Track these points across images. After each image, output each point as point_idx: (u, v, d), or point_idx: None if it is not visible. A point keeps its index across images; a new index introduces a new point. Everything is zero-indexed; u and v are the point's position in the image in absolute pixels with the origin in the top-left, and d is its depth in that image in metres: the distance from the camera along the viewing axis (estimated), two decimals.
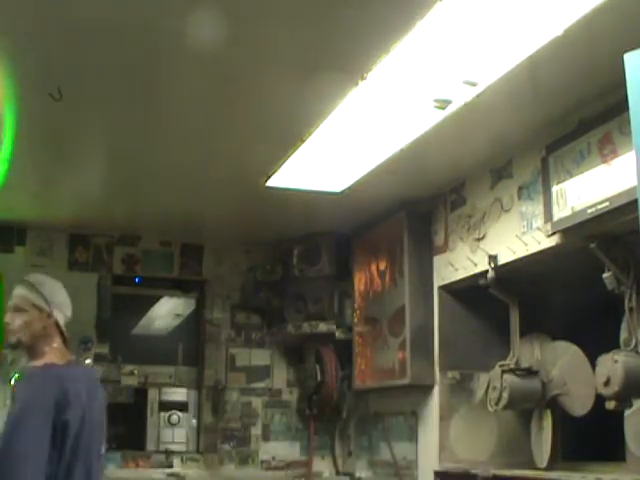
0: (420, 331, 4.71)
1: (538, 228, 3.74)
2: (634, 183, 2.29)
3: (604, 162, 3.29)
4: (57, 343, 3.06)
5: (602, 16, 2.69)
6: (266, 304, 5.99)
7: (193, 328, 6.14)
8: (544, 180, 3.69)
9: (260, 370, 5.99)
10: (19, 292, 3.13)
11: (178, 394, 5.94)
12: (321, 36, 2.97)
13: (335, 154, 4.14)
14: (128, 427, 5.88)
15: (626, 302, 3.47)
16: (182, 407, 5.91)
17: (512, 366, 4.21)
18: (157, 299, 6.23)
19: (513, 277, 4.11)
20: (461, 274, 4.45)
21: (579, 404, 3.95)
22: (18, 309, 3.07)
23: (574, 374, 4.00)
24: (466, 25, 2.83)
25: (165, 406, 5.88)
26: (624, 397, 3.38)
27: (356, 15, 2.77)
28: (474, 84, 3.24)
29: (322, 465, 5.96)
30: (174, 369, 6.02)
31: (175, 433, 5.84)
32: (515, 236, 3.90)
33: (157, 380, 5.94)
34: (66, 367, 3.01)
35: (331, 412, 5.83)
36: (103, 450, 3.01)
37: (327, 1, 2.74)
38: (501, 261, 4.05)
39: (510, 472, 4.13)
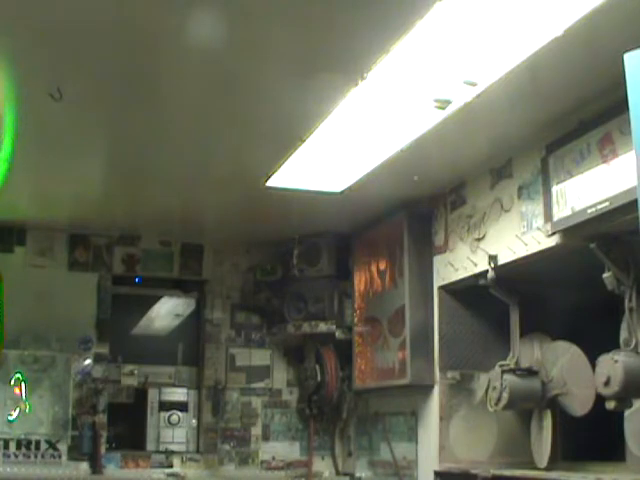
0: (420, 331, 4.71)
1: (538, 228, 3.74)
2: (634, 183, 2.29)
3: (604, 162, 3.29)
4: None
5: (602, 16, 2.69)
6: (266, 304, 5.99)
7: (193, 328, 6.13)
8: (544, 180, 3.69)
9: (260, 370, 5.99)
10: None
11: (178, 394, 5.94)
12: (321, 36, 2.97)
13: (335, 154, 4.14)
14: (128, 427, 5.89)
15: (626, 302, 3.47)
16: (182, 407, 5.91)
17: (512, 366, 4.21)
18: (157, 299, 6.23)
19: (513, 277, 4.11)
20: (461, 274, 4.45)
21: (579, 404, 3.95)
22: None
23: (574, 374, 4.00)
24: (466, 25, 2.83)
25: (165, 406, 5.88)
26: (624, 397, 3.38)
27: (356, 15, 2.77)
28: (474, 84, 3.24)
29: (322, 465, 5.96)
30: (174, 369, 6.02)
31: (175, 433, 5.84)
32: (515, 236, 3.90)
33: (157, 380, 5.94)
34: None
35: (331, 412, 5.84)
36: None
37: (327, 1, 2.74)
38: (501, 261, 4.05)
39: (510, 472, 4.13)
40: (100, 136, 4.04)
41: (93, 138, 4.05)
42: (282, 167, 4.29)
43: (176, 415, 5.86)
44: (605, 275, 3.50)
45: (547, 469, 4.07)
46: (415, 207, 4.85)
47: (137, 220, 5.59)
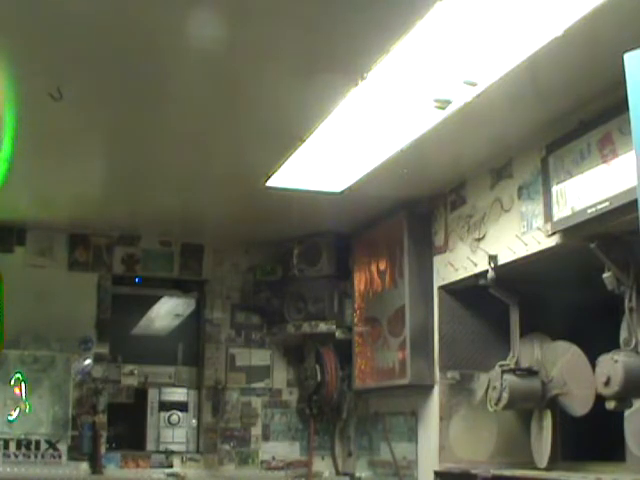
0: (420, 331, 4.71)
1: (538, 228, 3.74)
2: (634, 183, 2.29)
3: (604, 162, 3.29)
4: None
5: (602, 16, 2.69)
6: (266, 304, 5.99)
7: (193, 328, 6.13)
8: (544, 180, 3.69)
9: (260, 370, 5.99)
10: None
11: (178, 394, 5.93)
12: (321, 36, 2.97)
13: (335, 154, 4.14)
14: (128, 427, 5.89)
15: (626, 302, 3.47)
16: (182, 407, 5.90)
17: (512, 366, 4.21)
18: (157, 299, 6.23)
19: (513, 277, 4.11)
20: (461, 274, 4.45)
21: (579, 404, 3.95)
22: None
23: (574, 374, 4.01)
24: (466, 25, 2.83)
25: (165, 406, 5.88)
26: (624, 397, 3.38)
27: (356, 15, 2.77)
28: (474, 84, 3.24)
29: (322, 465, 5.96)
30: (174, 369, 6.02)
31: (175, 433, 5.84)
32: (515, 236, 3.90)
33: (157, 380, 5.93)
34: None
35: (331, 412, 5.84)
36: None
37: (327, 1, 2.74)
38: (501, 261, 4.05)
39: (510, 472, 4.13)
40: (100, 136, 4.04)
41: (93, 138, 4.05)
42: (282, 167, 4.29)
43: (176, 415, 5.86)
44: (605, 275, 3.50)
45: (547, 469, 4.07)
46: (415, 207, 4.85)
47: (137, 220, 5.59)
